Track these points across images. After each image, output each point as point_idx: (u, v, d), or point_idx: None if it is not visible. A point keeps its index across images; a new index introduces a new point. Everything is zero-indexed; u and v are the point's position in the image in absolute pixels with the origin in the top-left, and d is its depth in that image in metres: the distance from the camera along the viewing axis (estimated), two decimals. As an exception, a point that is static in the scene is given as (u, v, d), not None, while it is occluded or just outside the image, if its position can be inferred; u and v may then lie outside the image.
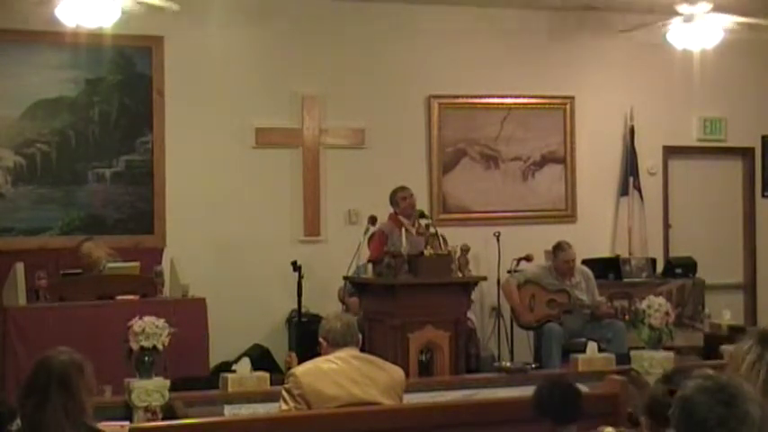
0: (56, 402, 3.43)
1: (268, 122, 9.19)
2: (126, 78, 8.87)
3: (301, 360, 5.34)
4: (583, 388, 6.04)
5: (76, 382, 3.50)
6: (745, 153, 10.80)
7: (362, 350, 4.72)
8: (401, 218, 7.92)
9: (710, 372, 2.57)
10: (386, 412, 4.51)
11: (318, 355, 4.61)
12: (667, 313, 6.50)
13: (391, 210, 8.08)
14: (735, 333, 7.04)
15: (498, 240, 9.16)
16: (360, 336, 4.68)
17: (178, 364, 6.25)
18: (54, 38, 8.32)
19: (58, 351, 3.59)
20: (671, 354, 6.49)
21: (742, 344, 3.23)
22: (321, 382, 4.41)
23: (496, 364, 7.47)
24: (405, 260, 7.12)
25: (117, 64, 8.84)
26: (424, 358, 6.98)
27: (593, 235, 9.92)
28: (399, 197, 7.99)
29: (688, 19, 8.76)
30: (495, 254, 9.11)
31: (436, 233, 7.55)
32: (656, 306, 6.48)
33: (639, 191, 10.15)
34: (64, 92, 8.71)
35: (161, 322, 5.53)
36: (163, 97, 8.91)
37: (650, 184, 10.27)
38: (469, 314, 7.85)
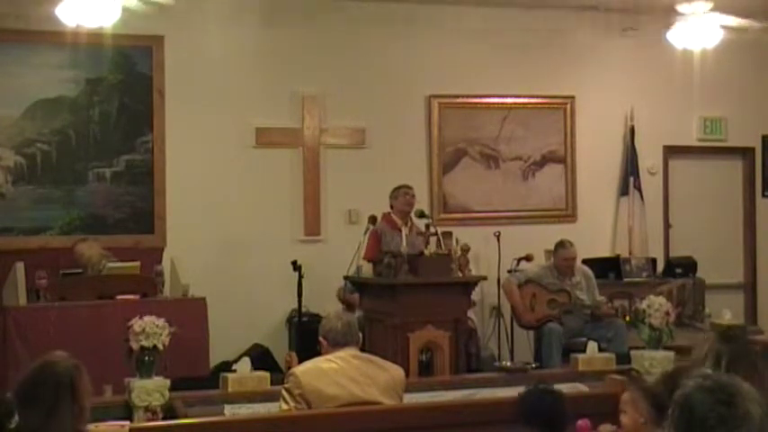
0: (64, 410, 3.34)
1: (268, 122, 9.19)
2: (126, 78, 8.88)
3: (301, 360, 5.33)
4: (583, 388, 6.08)
5: (81, 388, 3.42)
6: (745, 153, 10.80)
7: (362, 350, 4.71)
8: (394, 216, 7.92)
9: (710, 371, 2.57)
10: (386, 412, 4.51)
11: (318, 354, 4.61)
12: (668, 313, 6.49)
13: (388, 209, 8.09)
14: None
15: (498, 240, 9.16)
16: (360, 335, 4.68)
17: (178, 363, 6.23)
18: (54, 38, 8.32)
19: (58, 356, 3.50)
20: (671, 354, 6.48)
21: (701, 347, 3.27)
22: (321, 381, 4.41)
23: (496, 363, 7.46)
24: (405, 260, 7.12)
25: (117, 64, 8.84)
26: (424, 358, 6.98)
27: (594, 235, 9.92)
28: (402, 192, 7.98)
29: (688, 19, 8.76)
30: (495, 254, 9.11)
31: (437, 233, 7.55)
32: (656, 306, 6.47)
33: (640, 191, 10.16)
34: (64, 92, 8.72)
35: (161, 322, 5.52)
36: (163, 97, 8.91)
37: (650, 184, 10.27)
38: (470, 314, 7.85)
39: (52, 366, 3.43)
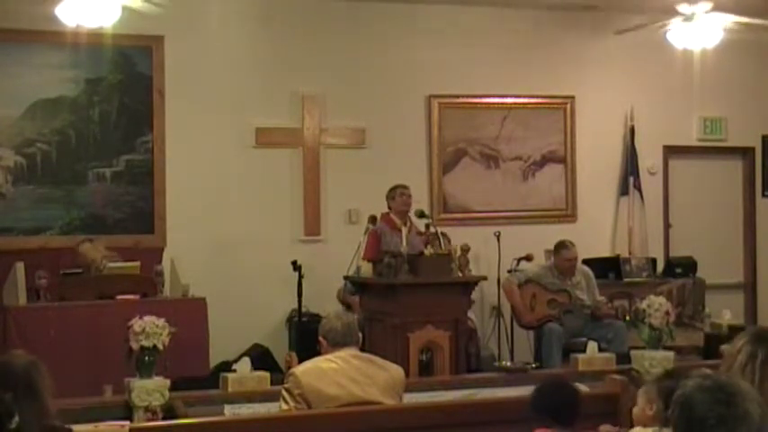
0: (25, 409, 3.23)
1: (268, 122, 9.19)
2: (126, 78, 8.88)
3: (301, 360, 5.33)
4: (583, 388, 6.08)
5: (40, 384, 3.30)
6: (745, 153, 10.81)
7: (362, 350, 4.71)
8: (393, 216, 7.93)
9: (709, 371, 2.57)
10: (386, 412, 4.50)
11: (318, 354, 4.61)
12: (668, 313, 6.49)
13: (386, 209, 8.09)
14: (735, 333, 7.03)
15: (498, 240, 9.15)
16: (360, 335, 4.67)
17: (178, 363, 6.23)
18: (54, 38, 8.33)
19: (15, 356, 3.42)
20: (671, 354, 6.49)
21: (735, 343, 3.26)
22: (321, 381, 4.41)
23: (496, 363, 7.46)
24: (405, 260, 7.12)
25: (117, 64, 8.84)
26: (424, 358, 6.98)
27: (594, 235, 9.92)
28: (398, 192, 7.99)
29: (688, 19, 8.77)
30: (495, 253, 9.11)
31: (437, 233, 7.55)
32: (656, 306, 6.47)
33: (640, 190, 10.16)
34: (64, 92, 8.72)
35: (161, 322, 5.52)
36: (163, 97, 8.91)
37: (650, 184, 10.28)
38: (470, 314, 7.85)
39: (8, 366, 3.33)
